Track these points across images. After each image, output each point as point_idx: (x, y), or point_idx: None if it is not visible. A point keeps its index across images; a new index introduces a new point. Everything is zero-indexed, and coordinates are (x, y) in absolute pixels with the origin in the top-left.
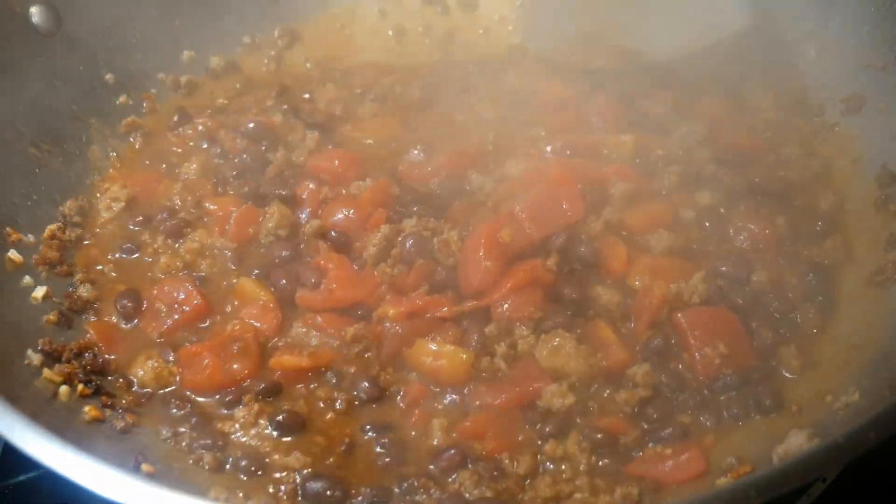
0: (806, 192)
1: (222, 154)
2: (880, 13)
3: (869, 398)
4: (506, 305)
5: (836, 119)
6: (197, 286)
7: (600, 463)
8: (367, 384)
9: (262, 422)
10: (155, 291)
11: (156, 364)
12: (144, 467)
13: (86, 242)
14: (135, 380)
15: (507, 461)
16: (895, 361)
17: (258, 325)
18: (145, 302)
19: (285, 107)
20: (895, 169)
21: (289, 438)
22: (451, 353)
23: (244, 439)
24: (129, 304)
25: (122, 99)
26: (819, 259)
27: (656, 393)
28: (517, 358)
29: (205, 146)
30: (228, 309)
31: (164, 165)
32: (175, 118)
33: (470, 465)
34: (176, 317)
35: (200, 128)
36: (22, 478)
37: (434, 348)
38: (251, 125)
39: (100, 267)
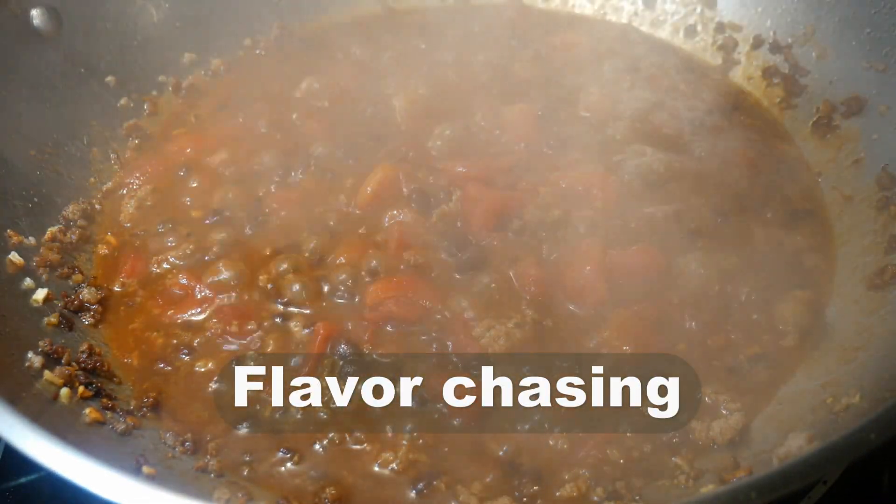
0: None
1: None
2: (880, 15)
3: (869, 400)
4: None
5: (837, 121)
6: None
7: None
8: None
9: None
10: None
11: None
12: (145, 469)
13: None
14: None
15: None
16: (895, 363)
17: None
18: None
19: None
20: None
21: None
22: None
23: None
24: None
25: (123, 101)
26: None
27: None
28: None
29: None
30: None
31: None
32: None
33: None
34: None
35: None
36: (23, 480)
37: None
38: None
39: None
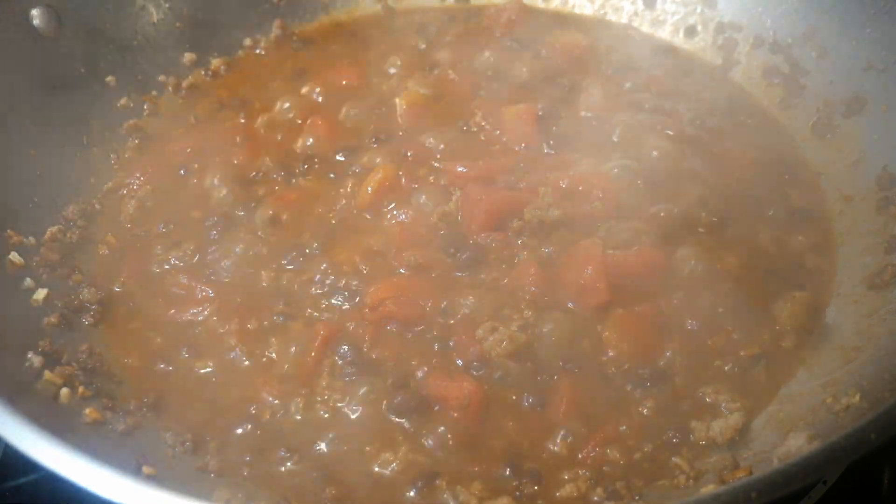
0: None
1: None
2: (880, 15)
3: (869, 400)
4: None
5: (837, 121)
6: None
7: None
8: None
9: None
10: None
11: None
12: (145, 469)
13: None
14: None
15: None
16: (895, 363)
17: None
18: None
19: None
20: None
21: None
22: None
23: None
24: None
25: (122, 101)
26: None
27: None
28: None
29: None
30: None
31: None
32: None
33: None
34: None
35: None
36: (22, 480)
37: None
38: None
39: None
